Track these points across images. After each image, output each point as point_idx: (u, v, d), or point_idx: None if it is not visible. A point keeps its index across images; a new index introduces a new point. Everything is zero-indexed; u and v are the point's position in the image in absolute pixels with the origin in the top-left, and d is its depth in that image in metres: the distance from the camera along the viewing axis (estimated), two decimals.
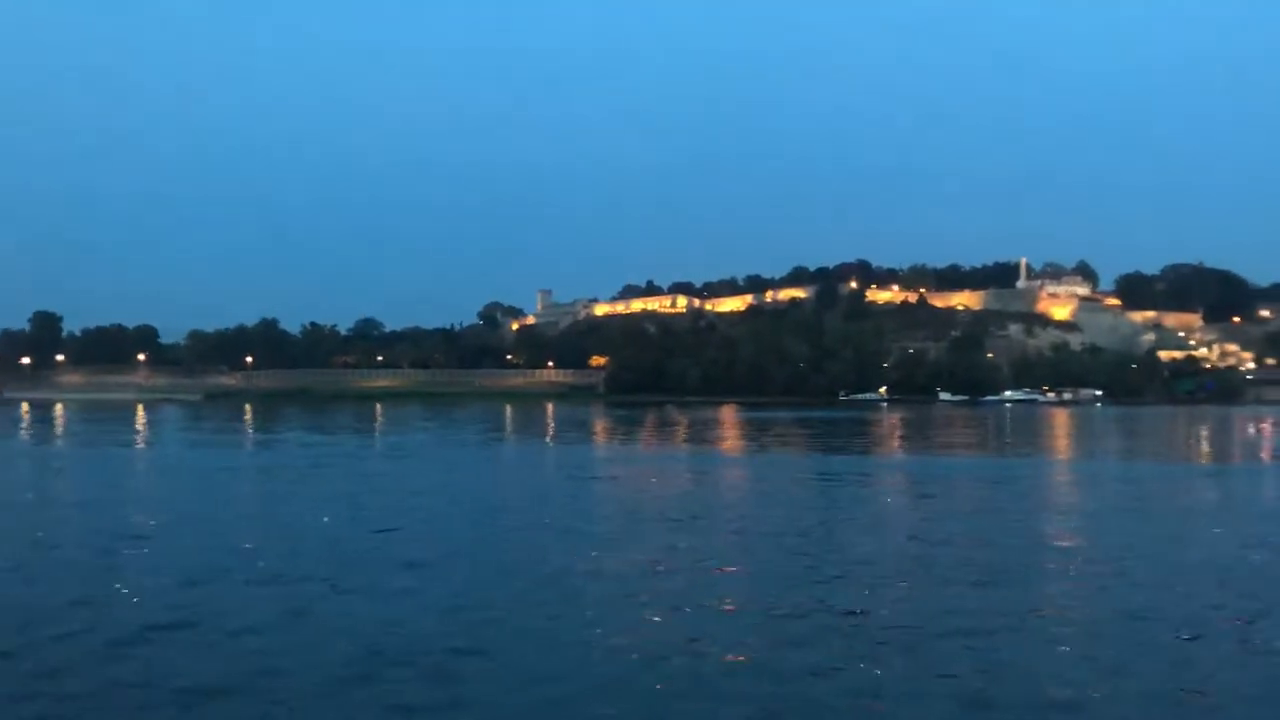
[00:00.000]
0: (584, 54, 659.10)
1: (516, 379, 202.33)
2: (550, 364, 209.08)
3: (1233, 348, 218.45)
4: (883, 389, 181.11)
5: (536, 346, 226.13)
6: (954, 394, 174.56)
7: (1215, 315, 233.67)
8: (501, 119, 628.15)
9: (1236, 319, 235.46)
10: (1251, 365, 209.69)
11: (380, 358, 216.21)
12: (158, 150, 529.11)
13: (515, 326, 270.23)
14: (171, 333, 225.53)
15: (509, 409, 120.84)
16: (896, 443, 55.33)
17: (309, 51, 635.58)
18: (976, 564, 16.02)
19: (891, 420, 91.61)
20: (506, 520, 21.59)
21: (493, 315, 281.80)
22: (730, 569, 15.82)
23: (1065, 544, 18.80)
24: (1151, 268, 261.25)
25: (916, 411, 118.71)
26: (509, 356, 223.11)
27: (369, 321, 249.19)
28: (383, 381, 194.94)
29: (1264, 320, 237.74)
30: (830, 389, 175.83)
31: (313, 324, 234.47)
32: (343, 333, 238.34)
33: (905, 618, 12.39)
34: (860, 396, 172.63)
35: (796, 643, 11.31)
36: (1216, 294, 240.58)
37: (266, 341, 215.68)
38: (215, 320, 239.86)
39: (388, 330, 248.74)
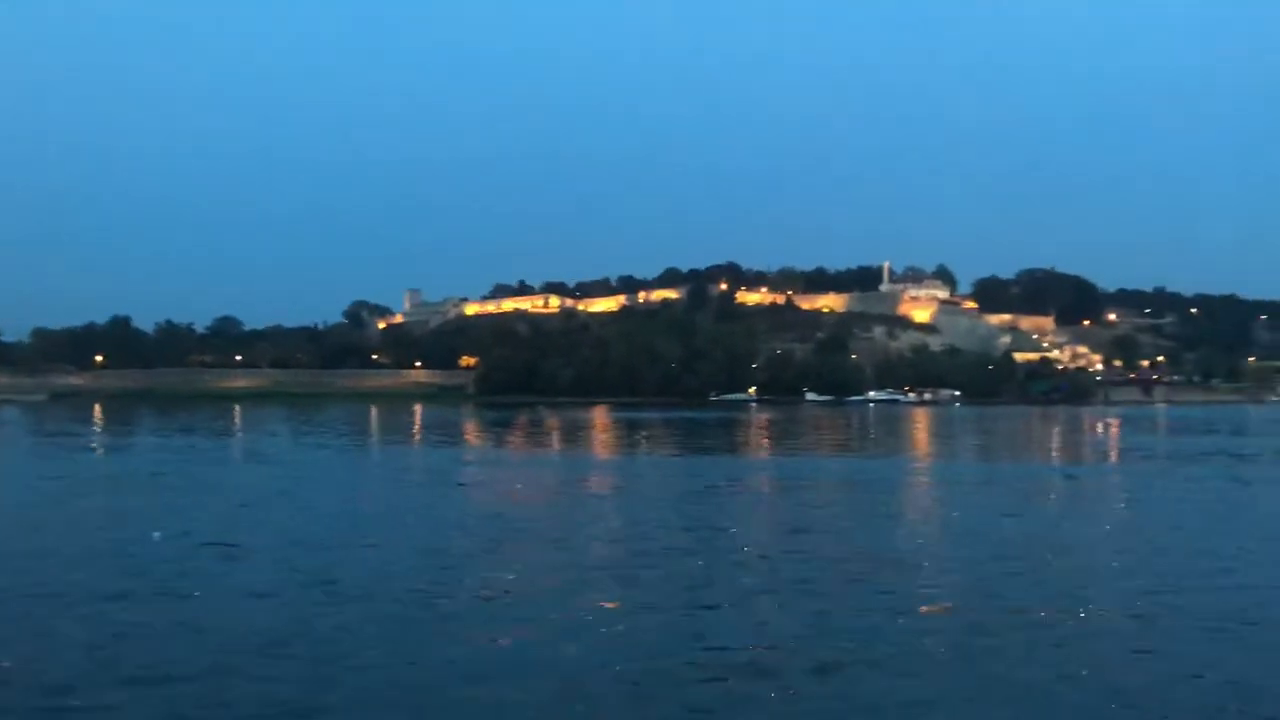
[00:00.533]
0: (455, 51, 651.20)
1: (383, 379, 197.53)
2: (418, 364, 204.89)
3: (1083, 350, 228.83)
4: (752, 389, 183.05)
5: (404, 346, 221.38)
6: (820, 394, 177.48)
7: (1066, 318, 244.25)
8: (370, 115, 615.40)
9: (1087, 322, 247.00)
10: (1100, 366, 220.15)
11: (239, 357, 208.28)
12: None
13: (382, 326, 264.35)
14: (14, 330, 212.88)
15: (374, 410, 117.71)
16: (765, 444, 55.29)
17: (102, 34, 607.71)
18: (853, 580, 15.43)
19: (760, 420, 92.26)
20: (360, 535, 20.10)
21: (359, 314, 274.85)
22: (602, 591, 14.72)
23: (940, 553, 18.44)
24: (1007, 272, 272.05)
25: (784, 412, 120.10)
26: (375, 356, 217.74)
27: (228, 320, 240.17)
28: (241, 382, 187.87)
29: (1112, 324, 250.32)
30: (701, 389, 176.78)
31: (168, 322, 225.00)
32: (200, 331, 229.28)
33: (795, 646, 11.54)
34: (730, 397, 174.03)
35: (677, 681, 10.25)
36: (1068, 298, 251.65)
37: (118, 340, 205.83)
38: (63, 318, 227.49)
39: (248, 329, 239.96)
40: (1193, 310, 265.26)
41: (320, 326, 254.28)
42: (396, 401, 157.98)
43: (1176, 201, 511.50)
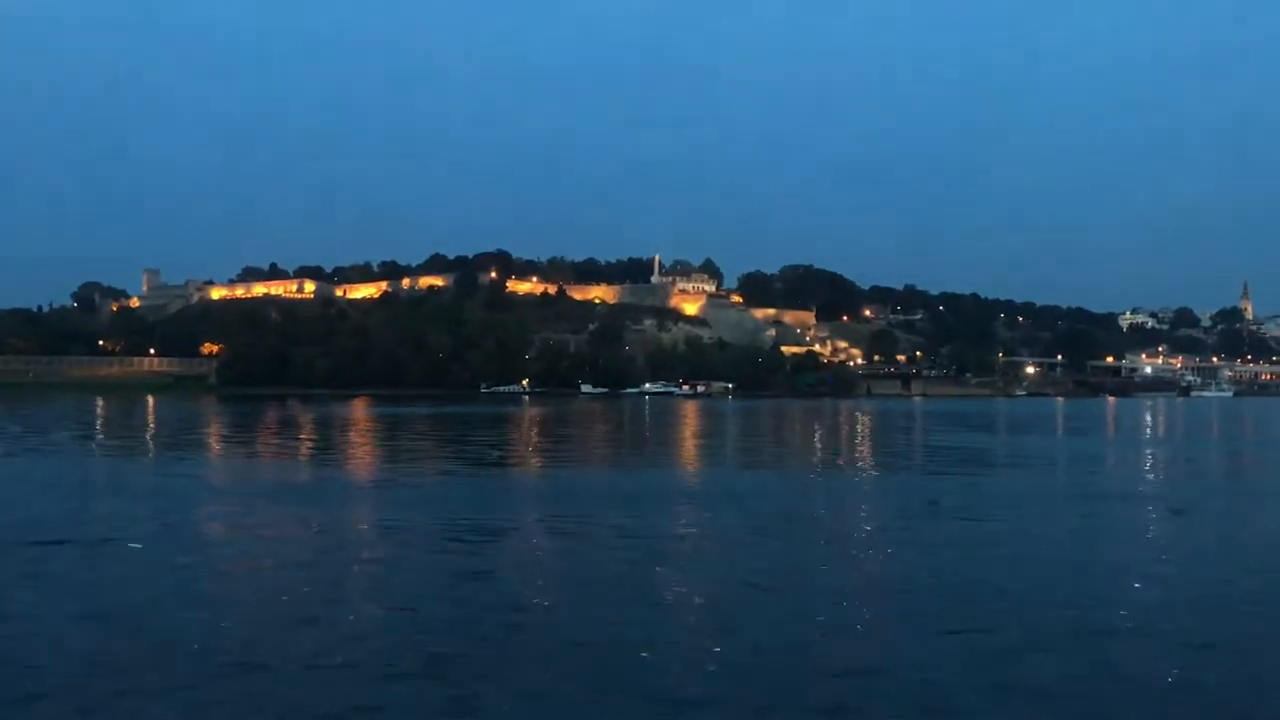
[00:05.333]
0: (201, 26, 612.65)
1: (110, 368, 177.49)
2: (152, 351, 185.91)
3: (843, 344, 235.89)
4: (525, 381, 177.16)
5: (137, 332, 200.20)
6: (595, 386, 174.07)
7: (826, 314, 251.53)
8: (110, 87, 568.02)
9: (845, 318, 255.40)
10: (861, 360, 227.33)
11: None
12: None
13: (116, 309, 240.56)
14: None
15: (100, 404, 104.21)
16: (534, 450, 47.61)
17: None
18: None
19: (532, 415, 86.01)
20: None
21: (90, 296, 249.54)
22: None
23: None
24: (770, 267, 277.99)
25: (557, 405, 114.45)
26: (101, 343, 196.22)
27: None
28: None
29: (868, 319, 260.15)
30: (472, 381, 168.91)
31: None
32: None
33: None
34: (503, 389, 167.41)
35: None
36: (827, 294, 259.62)
37: None
38: None
39: None
40: (941, 308, 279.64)
41: (44, 309, 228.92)
42: (127, 393, 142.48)
43: (916, 205, 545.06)
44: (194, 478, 31.47)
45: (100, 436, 56.53)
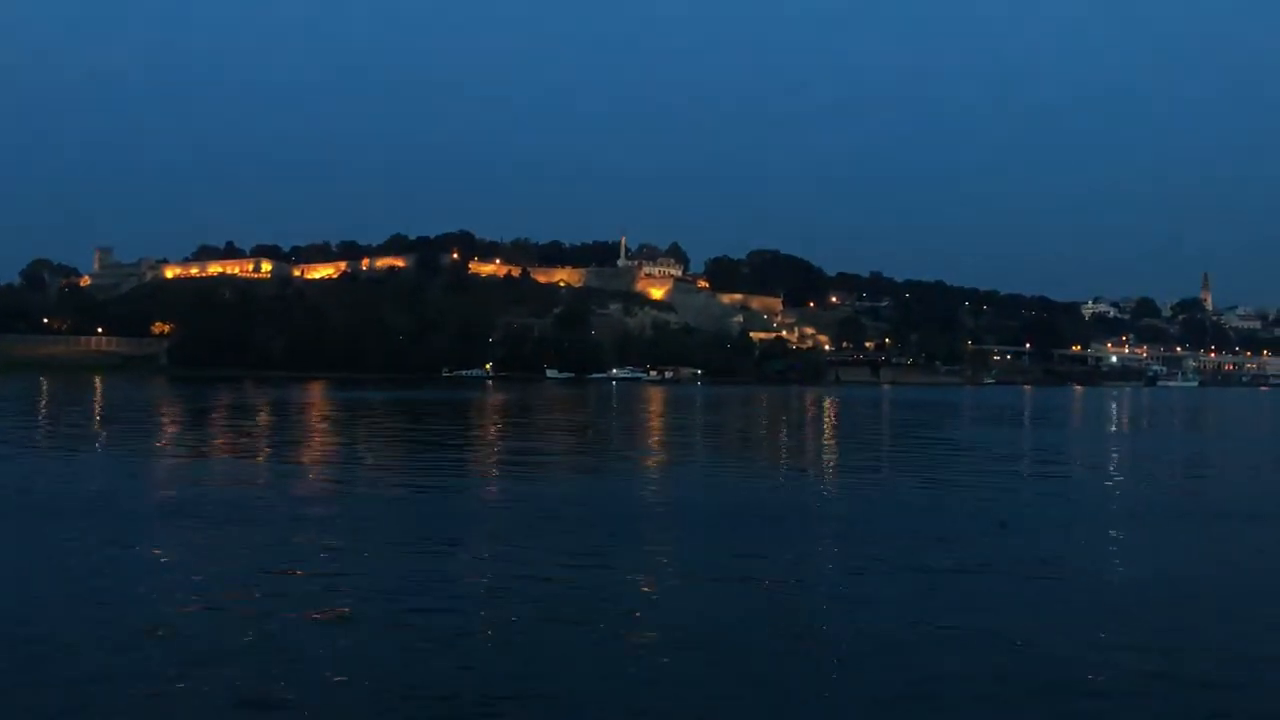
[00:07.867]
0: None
1: (55, 347, 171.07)
2: (99, 330, 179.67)
3: (810, 330, 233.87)
4: (488, 365, 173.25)
5: (86, 310, 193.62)
6: (561, 371, 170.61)
7: (793, 299, 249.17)
8: (67, 62, 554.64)
9: (812, 304, 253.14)
10: (829, 347, 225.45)
11: None
12: None
13: (65, 286, 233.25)
14: None
15: (44, 384, 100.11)
16: (493, 448, 43.06)
17: None
18: None
19: (494, 403, 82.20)
20: None
21: (39, 274, 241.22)
22: None
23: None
24: (737, 252, 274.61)
25: (522, 391, 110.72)
26: (46, 320, 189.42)
27: None
28: None
29: (835, 306, 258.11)
30: (433, 364, 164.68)
31: None
32: None
33: None
34: (465, 374, 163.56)
35: None
36: (794, 280, 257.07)
37: None
38: None
39: None
40: (906, 295, 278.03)
41: None
42: (71, 373, 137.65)
43: (890, 193, 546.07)
44: (100, 478, 27.22)
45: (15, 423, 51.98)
